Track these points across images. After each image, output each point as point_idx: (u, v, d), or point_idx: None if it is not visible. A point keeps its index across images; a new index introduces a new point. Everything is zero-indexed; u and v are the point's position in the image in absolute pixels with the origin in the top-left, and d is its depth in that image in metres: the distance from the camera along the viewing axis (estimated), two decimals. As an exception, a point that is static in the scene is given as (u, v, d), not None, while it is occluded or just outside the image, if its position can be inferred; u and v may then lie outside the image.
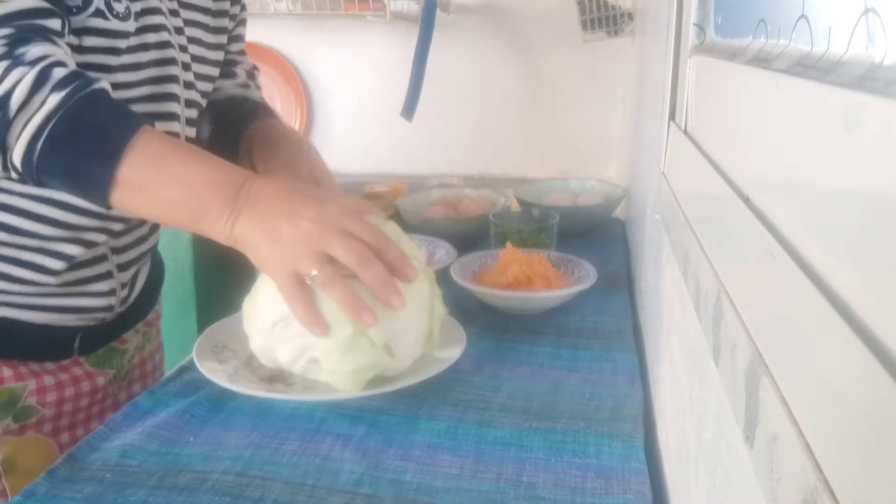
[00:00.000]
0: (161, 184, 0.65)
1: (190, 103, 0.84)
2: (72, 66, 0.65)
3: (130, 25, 0.73)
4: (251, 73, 1.02)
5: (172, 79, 0.79)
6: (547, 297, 0.96)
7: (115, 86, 0.73)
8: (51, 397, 0.81)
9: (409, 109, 1.65)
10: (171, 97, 0.80)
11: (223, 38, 0.91)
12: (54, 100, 0.62)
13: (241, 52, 1.00)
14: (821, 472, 0.25)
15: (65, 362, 0.84)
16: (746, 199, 0.42)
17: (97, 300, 0.82)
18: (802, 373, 0.29)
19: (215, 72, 0.91)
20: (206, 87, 0.89)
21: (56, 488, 0.62)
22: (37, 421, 0.80)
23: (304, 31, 1.93)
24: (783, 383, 0.30)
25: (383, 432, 0.71)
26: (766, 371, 0.32)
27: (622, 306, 1.02)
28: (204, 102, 0.89)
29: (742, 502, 0.39)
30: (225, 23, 0.91)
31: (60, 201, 0.74)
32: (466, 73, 1.87)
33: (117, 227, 0.80)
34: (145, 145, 0.64)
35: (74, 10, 0.69)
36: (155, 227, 0.90)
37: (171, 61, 0.79)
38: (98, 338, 0.87)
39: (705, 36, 0.65)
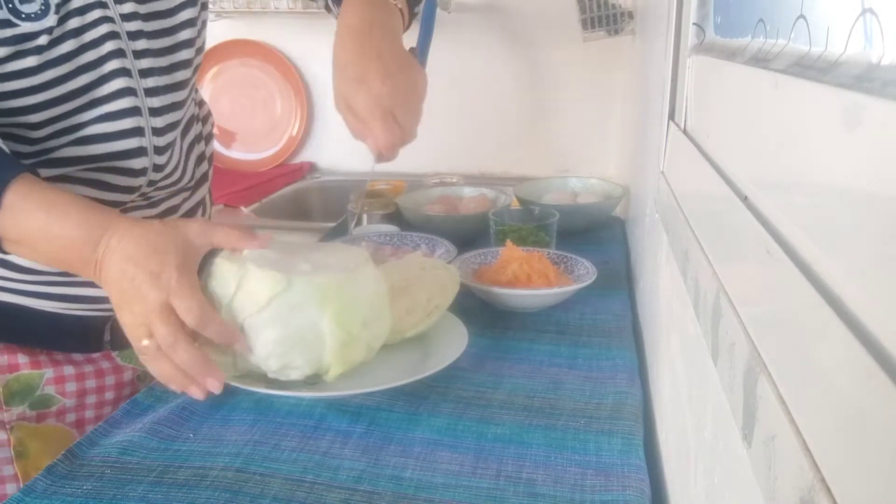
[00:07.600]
0: (33, 244, 0.68)
1: (145, 73, 0.78)
2: None
3: (50, 20, 0.70)
4: None
5: (116, 53, 0.75)
6: (546, 295, 0.96)
7: (47, 84, 0.71)
8: (70, 387, 0.82)
9: (409, 108, 1.65)
10: (120, 73, 0.75)
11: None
12: None
13: None
14: (818, 470, 0.25)
15: (95, 355, 0.85)
16: (745, 199, 0.42)
17: (100, 289, 0.80)
18: (800, 372, 0.29)
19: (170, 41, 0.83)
20: (164, 44, 0.82)
21: (55, 484, 0.62)
22: (57, 410, 0.82)
23: (305, 29, 1.92)
24: (781, 382, 0.31)
25: (383, 429, 0.71)
26: (764, 370, 0.32)
27: (622, 304, 1.02)
28: (168, 61, 0.82)
29: (740, 500, 0.39)
30: None
31: None
32: (466, 72, 1.87)
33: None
34: (13, 204, 0.65)
35: None
36: None
37: (106, 37, 0.74)
38: None
39: (705, 35, 0.65)
